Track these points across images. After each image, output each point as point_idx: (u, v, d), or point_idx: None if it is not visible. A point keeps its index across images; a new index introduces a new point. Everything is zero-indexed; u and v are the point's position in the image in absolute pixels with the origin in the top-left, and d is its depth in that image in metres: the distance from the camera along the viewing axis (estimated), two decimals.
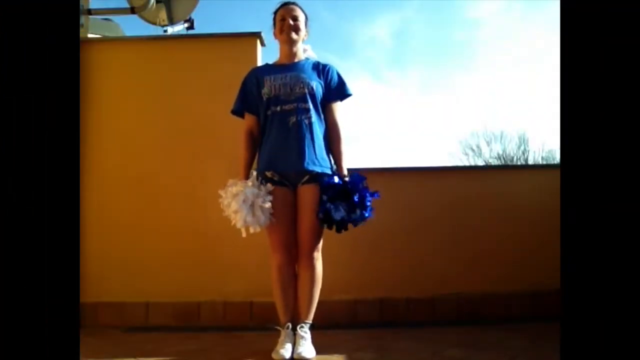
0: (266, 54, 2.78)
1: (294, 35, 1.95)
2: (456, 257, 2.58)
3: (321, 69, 1.97)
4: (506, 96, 28.76)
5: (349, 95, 2.00)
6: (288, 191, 1.89)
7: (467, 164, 18.18)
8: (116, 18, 4.64)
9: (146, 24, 3.93)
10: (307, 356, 1.79)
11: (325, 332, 2.23)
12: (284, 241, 1.89)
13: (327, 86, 1.95)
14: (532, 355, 1.83)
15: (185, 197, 2.62)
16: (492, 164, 17.73)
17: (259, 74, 1.96)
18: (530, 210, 2.63)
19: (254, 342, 2.15)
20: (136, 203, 2.62)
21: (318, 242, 1.90)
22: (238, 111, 2.03)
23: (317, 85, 1.91)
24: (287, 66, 1.95)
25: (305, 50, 2.03)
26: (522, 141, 19.04)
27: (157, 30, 4.03)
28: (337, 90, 1.98)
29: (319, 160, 1.87)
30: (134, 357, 1.89)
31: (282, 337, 1.87)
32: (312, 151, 1.86)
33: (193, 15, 4.44)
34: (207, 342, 2.13)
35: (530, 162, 18.12)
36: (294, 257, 1.93)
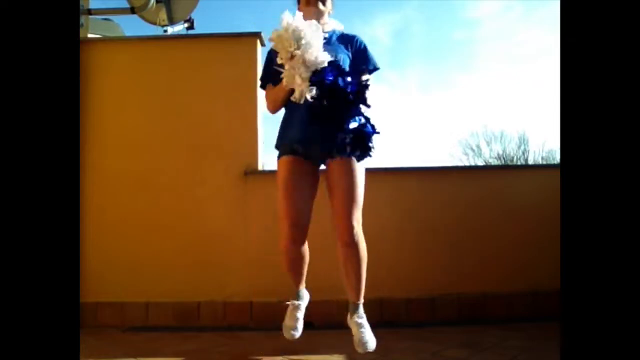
0: (265, 54, 2.77)
1: (321, 6, 1.87)
2: (456, 257, 2.58)
3: (349, 40, 1.89)
4: (506, 96, 28.81)
5: (376, 68, 1.91)
6: (311, 166, 1.82)
7: (467, 164, 18.21)
8: (116, 18, 4.67)
9: (146, 24, 3.95)
10: (371, 346, 1.69)
11: (325, 332, 2.24)
12: (293, 213, 1.77)
13: (354, 57, 1.86)
14: (532, 355, 1.83)
15: (186, 197, 2.62)
16: (492, 164, 17.76)
17: None
18: (531, 211, 2.63)
19: (254, 342, 2.15)
20: (136, 203, 2.62)
21: (355, 209, 1.74)
22: (263, 82, 1.94)
23: (344, 58, 1.82)
24: None
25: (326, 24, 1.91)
26: (522, 141, 19.11)
27: (157, 30, 4.04)
28: (365, 62, 1.89)
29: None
30: (134, 357, 1.89)
31: (289, 310, 1.81)
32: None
33: (193, 15, 4.46)
34: (207, 342, 2.13)
35: (530, 162, 18.17)
36: (303, 237, 1.83)
